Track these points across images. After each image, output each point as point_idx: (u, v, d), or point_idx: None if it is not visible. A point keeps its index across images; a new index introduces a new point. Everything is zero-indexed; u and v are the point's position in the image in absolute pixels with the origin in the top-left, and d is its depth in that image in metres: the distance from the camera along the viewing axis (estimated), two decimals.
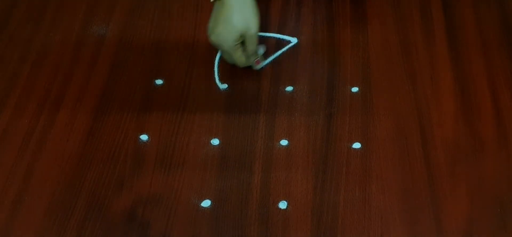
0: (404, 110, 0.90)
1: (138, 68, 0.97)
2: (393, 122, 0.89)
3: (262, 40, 0.99)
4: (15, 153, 0.87)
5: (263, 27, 1.01)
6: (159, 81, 0.95)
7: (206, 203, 0.82)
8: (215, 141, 0.88)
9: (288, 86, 0.94)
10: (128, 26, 1.03)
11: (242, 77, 0.95)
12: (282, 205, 0.81)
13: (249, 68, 0.96)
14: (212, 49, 0.98)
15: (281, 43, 1.00)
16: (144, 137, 0.88)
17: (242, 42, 0.91)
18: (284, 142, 0.87)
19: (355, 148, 0.86)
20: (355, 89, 0.93)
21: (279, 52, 0.98)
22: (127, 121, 0.90)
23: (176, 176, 0.84)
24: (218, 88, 0.94)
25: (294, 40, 1.00)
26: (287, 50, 0.99)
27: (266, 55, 0.97)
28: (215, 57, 0.97)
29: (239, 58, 0.92)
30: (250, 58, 0.94)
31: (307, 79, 0.95)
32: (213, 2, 0.91)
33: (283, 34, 1.01)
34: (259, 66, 0.95)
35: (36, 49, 1.00)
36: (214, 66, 0.96)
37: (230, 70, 0.96)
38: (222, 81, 0.95)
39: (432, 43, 0.98)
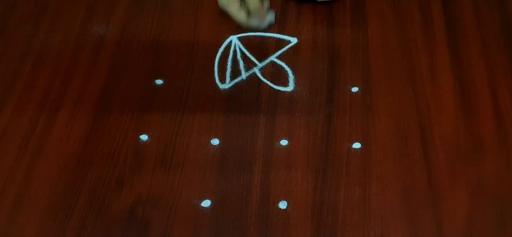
0: (404, 110, 0.90)
1: (138, 68, 0.97)
2: (393, 122, 0.89)
3: (262, 40, 0.99)
4: (15, 153, 0.87)
5: None
6: (159, 81, 0.95)
7: (206, 203, 0.82)
8: (215, 141, 0.88)
9: (288, 86, 0.94)
10: (128, 26, 1.03)
11: (242, 77, 0.95)
12: (282, 205, 0.81)
13: (249, 68, 0.96)
14: (212, 49, 0.98)
15: (281, 43, 1.00)
16: (144, 137, 0.88)
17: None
18: (284, 142, 0.87)
19: (355, 148, 0.86)
20: (355, 89, 0.93)
21: (279, 52, 0.98)
22: (127, 121, 0.90)
23: (176, 176, 0.84)
24: (218, 88, 0.94)
25: (294, 40, 1.00)
26: (287, 50, 0.99)
27: (266, 54, 0.98)
28: (215, 57, 0.97)
29: (237, 14, 0.91)
30: (250, 19, 0.92)
31: (307, 79, 0.95)
32: None
33: (283, 34, 1.01)
34: (263, 24, 0.93)
35: (36, 49, 0.99)
36: (214, 66, 0.96)
37: (230, 70, 0.96)
38: (222, 81, 0.95)
39: (432, 43, 0.98)
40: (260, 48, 0.99)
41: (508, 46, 0.98)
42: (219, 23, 1.02)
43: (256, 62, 0.97)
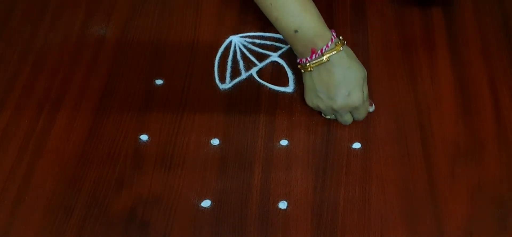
0: (404, 110, 0.90)
1: (138, 68, 0.97)
2: (393, 122, 0.89)
3: (262, 41, 0.99)
4: (15, 153, 0.87)
5: (263, 27, 1.01)
6: (159, 81, 0.95)
7: (206, 203, 0.82)
8: (215, 141, 0.88)
9: (288, 86, 0.94)
10: (128, 26, 1.03)
11: (242, 77, 0.95)
12: (282, 205, 0.81)
13: (248, 68, 0.96)
14: (212, 49, 0.98)
15: (281, 43, 1.00)
16: (144, 137, 0.88)
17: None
18: (284, 142, 0.87)
19: (355, 148, 0.86)
20: None
21: (279, 52, 0.98)
22: (127, 121, 0.90)
23: (176, 176, 0.84)
24: (218, 88, 0.94)
25: None
26: (287, 50, 0.99)
27: (266, 54, 0.98)
28: (215, 57, 0.97)
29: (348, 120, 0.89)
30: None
31: None
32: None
33: None
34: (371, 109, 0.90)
35: (36, 49, 0.99)
36: (214, 66, 0.96)
37: (230, 70, 0.96)
38: (222, 81, 0.95)
39: (432, 43, 0.98)
40: (260, 48, 0.99)
41: (508, 46, 0.98)
42: (219, 23, 1.02)
43: (256, 62, 0.97)
